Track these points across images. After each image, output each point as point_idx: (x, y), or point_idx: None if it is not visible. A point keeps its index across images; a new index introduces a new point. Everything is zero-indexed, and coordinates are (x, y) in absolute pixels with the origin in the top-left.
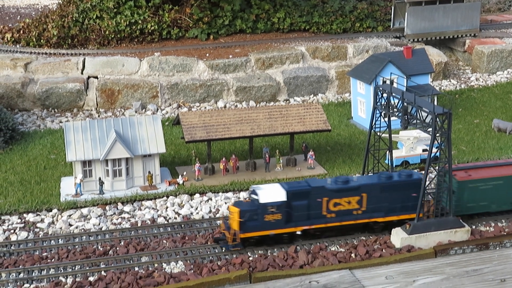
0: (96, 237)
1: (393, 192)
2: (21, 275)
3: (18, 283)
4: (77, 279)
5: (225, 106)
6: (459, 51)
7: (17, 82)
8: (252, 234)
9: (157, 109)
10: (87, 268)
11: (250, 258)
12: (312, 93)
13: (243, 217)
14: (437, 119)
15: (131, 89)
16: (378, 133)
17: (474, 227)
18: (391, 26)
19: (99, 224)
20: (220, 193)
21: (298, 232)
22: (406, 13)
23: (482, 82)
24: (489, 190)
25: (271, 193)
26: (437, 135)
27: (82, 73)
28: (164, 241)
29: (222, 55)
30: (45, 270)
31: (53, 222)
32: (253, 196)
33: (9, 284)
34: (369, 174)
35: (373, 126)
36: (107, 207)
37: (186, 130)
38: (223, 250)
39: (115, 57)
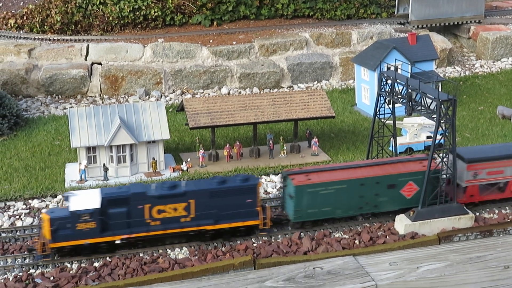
0: None
1: (225, 198)
2: (27, 260)
3: (23, 269)
4: (82, 265)
5: (229, 93)
6: (463, 37)
7: (21, 68)
8: (64, 243)
9: (161, 96)
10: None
11: (255, 244)
12: (316, 80)
13: (53, 225)
14: (442, 106)
15: (135, 76)
16: (382, 120)
17: (478, 214)
18: (396, 12)
19: None
20: None
21: (118, 241)
22: None
23: (487, 69)
24: (331, 195)
25: (84, 200)
26: (442, 121)
27: (85, 59)
28: None
29: (225, 41)
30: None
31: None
32: (66, 203)
33: (15, 269)
34: (202, 179)
35: (377, 113)
36: None
37: (190, 117)
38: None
39: (119, 43)
